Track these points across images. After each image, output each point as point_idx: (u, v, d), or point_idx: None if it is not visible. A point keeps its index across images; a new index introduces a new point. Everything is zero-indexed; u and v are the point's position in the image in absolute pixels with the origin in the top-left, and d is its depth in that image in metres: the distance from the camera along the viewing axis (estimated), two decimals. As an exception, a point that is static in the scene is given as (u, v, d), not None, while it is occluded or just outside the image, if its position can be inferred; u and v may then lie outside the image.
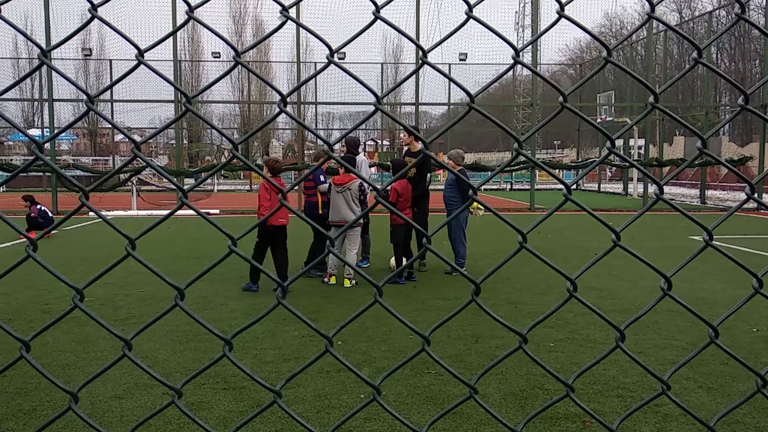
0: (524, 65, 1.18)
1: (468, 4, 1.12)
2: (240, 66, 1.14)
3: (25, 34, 1.27)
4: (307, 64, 33.95)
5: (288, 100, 1.17)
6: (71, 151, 49.35)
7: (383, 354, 5.55)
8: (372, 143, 47.64)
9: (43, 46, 1.13)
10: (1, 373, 1.19)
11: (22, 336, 1.14)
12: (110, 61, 34.27)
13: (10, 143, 46.15)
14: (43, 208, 14.44)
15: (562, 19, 1.18)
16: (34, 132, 38.97)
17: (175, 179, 1.19)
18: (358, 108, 33.96)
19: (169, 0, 20.71)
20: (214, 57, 31.46)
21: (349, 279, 8.56)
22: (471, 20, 1.15)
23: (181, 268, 9.15)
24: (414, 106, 23.08)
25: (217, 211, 20.57)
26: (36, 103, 40.41)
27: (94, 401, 4.45)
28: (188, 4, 1.17)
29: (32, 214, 14.25)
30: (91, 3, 1.12)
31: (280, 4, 1.12)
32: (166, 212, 16.40)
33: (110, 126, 40.89)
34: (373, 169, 24.04)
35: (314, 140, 43.85)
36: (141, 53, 1.15)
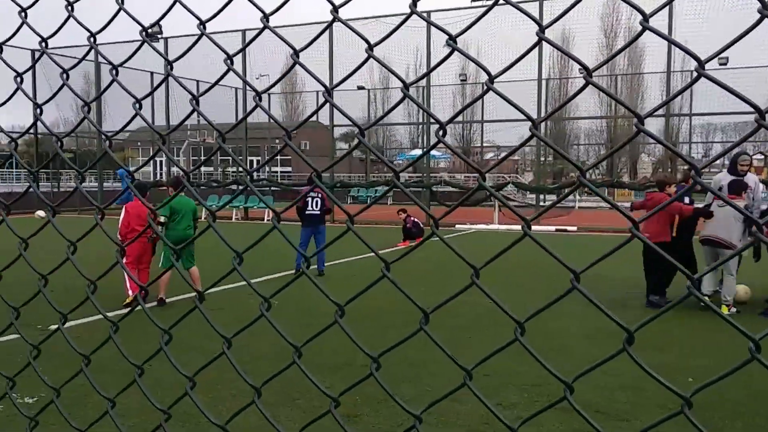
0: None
1: None
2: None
3: (394, 75, 1.40)
4: (683, 73, 31.36)
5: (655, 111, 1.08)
6: (448, 168, 54.24)
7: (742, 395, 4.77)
8: (761, 157, 41.58)
9: (403, 79, 1.25)
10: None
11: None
12: (482, 84, 36.68)
13: (399, 162, 52.85)
14: (415, 219, 16.16)
15: None
16: (417, 152, 43.92)
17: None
18: (743, 118, 29.91)
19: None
20: (580, 73, 31.24)
21: (727, 306, 7.74)
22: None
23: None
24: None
25: (574, 229, 20.29)
26: (421, 126, 45.58)
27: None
28: (539, 24, 1.15)
29: (407, 225, 16.05)
30: (451, 37, 1.17)
31: (642, 13, 1.03)
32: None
33: (480, 145, 43.75)
34: (761, 187, 20.86)
35: (689, 155, 40.17)
36: (491, 79, 1.17)
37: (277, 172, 45.60)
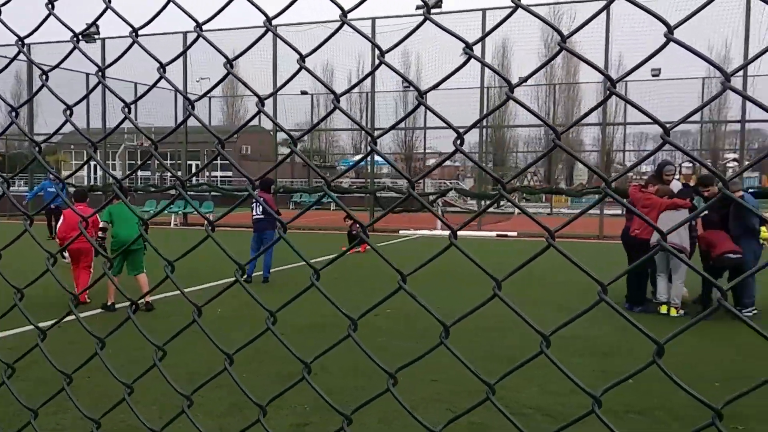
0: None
1: None
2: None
3: (402, 76, 1.36)
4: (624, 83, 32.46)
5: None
6: (389, 174, 54.45)
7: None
8: (689, 165, 43.40)
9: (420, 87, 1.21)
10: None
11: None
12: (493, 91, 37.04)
13: (342, 167, 52.83)
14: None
15: None
16: (359, 158, 43.99)
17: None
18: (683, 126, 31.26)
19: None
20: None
21: (676, 308, 8.16)
22: None
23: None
24: (740, 124, 20.49)
25: (515, 234, 20.70)
26: (363, 132, 45.72)
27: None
28: (561, 34, 1.13)
29: (353, 231, 16.02)
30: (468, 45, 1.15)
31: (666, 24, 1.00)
32: (470, 233, 16.54)
33: (423, 152, 44.11)
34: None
35: (622, 163, 41.62)
36: (511, 88, 1.15)
37: (217, 176, 44.85)
